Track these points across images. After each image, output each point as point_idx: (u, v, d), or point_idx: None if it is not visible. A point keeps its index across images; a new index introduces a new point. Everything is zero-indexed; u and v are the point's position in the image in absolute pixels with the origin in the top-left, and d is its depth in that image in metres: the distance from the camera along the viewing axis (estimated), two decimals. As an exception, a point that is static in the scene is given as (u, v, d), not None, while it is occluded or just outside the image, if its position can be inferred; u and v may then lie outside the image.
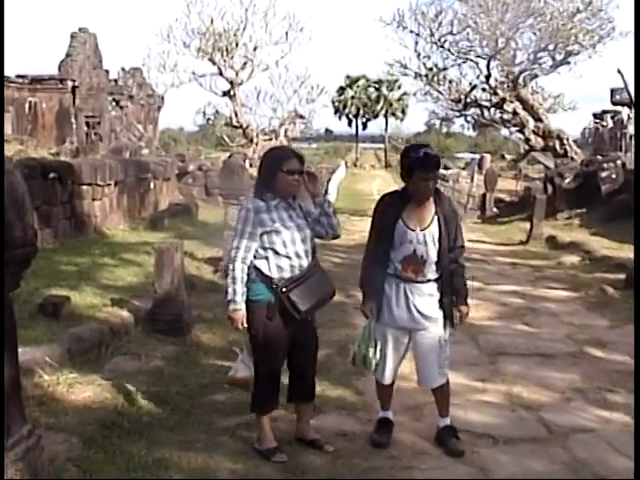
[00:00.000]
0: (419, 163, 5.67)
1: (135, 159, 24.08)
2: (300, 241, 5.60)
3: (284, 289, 5.50)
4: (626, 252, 15.13)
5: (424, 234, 5.76)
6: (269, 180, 5.62)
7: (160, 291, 8.96)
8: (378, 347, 5.88)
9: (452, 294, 5.92)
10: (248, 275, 5.56)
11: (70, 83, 34.98)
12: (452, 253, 5.88)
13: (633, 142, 38.91)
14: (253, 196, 5.72)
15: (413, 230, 5.76)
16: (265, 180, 5.67)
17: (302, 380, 5.94)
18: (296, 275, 5.57)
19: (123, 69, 44.96)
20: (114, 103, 39.95)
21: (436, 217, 5.81)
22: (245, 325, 5.59)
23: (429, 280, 5.82)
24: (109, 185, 18.07)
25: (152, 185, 21.89)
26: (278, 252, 5.53)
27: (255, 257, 5.56)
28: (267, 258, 5.55)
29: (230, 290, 5.55)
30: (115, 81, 42.88)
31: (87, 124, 35.67)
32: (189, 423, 6.36)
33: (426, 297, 5.84)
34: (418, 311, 5.81)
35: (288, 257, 5.55)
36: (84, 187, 16.57)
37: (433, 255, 5.79)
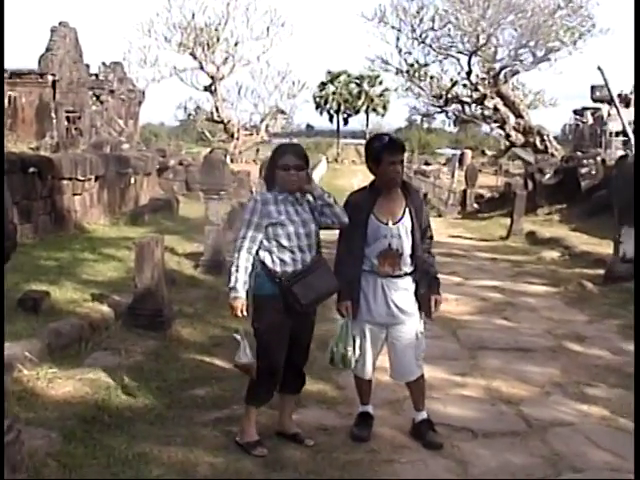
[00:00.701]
0: (386, 148, 5.80)
1: (116, 154, 23.93)
2: (304, 235, 5.64)
3: (286, 282, 5.55)
4: (605, 248, 15.20)
5: (397, 227, 5.82)
6: (271, 176, 5.75)
7: (140, 286, 8.94)
8: (357, 344, 5.92)
9: (428, 284, 5.96)
10: (254, 267, 5.63)
11: (50, 77, 34.69)
12: (424, 244, 5.95)
13: (613, 139, 39.14)
14: (265, 189, 5.86)
15: (386, 224, 5.81)
16: (268, 176, 5.81)
17: (295, 371, 5.98)
18: (299, 269, 5.61)
19: (104, 64, 44.70)
20: (95, 98, 39.70)
21: (407, 209, 5.87)
22: (245, 313, 5.64)
23: (405, 274, 5.87)
24: (89, 180, 18.00)
25: (133, 180, 21.80)
26: (282, 245, 5.59)
27: (260, 249, 5.63)
28: (270, 251, 5.62)
29: (233, 278, 5.62)
30: (96, 76, 42.58)
31: (67, 119, 35.38)
32: (169, 417, 6.36)
33: (402, 291, 5.88)
34: (396, 306, 5.85)
35: (291, 251, 5.60)
36: (64, 182, 16.50)
37: (408, 248, 5.84)
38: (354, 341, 5.85)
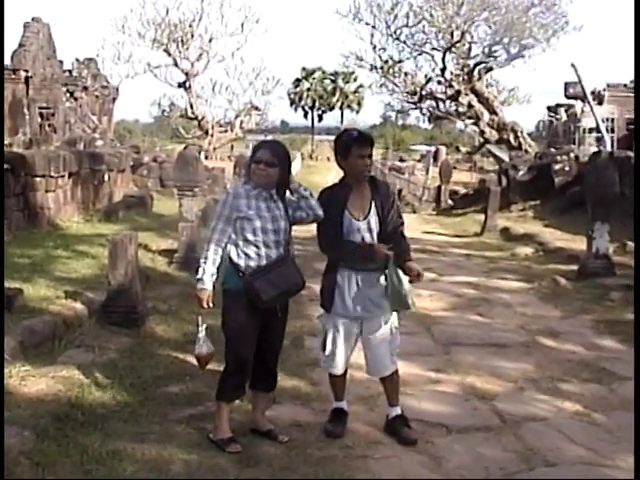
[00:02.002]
0: (355, 141, 5.87)
1: (89, 150, 23.81)
2: (272, 232, 5.68)
3: (249, 277, 5.60)
4: (578, 244, 15.29)
5: (367, 222, 5.89)
6: (248, 171, 5.84)
7: (114, 283, 8.91)
8: (330, 338, 5.98)
9: (400, 254, 5.92)
10: (224, 260, 5.73)
11: (23, 74, 34.53)
12: (391, 227, 5.96)
13: (587, 135, 39.36)
14: (243, 183, 5.95)
15: (357, 220, 5.88)
16: (247, 170, 5.90)
17: (266, 369, 6.00)
18: (263, 264, 5.66)
19: (77, 60, 44.52)
20: (68, 94, 39.55)
21: (373, 204, 5.93)
22: (211, 305, 5.72)
23: (380, 267, 5.87)
24: (63, 177, 17.85)
25: (106, 177, 21.67)
26: (247, 239, 5.65)
27: (228, 242, 5.70)
28: (237, 244, 5.69)
29: (200, 269, 5.73)
30: (69, 72, 42.43)
31: (41, 115, 35.22)
32: (143, 415, 6.34)
33: (377, 286, 5.89)
34: (370, 300, 5.88)
35: (256, 245, 5.65)
36: (37, 179, 16.32)
37: (378, 241, 5.87)
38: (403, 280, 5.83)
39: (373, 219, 5.90)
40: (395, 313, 6.06)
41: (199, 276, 5.72)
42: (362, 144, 5.86)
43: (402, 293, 5.82)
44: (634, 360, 7.84)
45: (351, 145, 5.85)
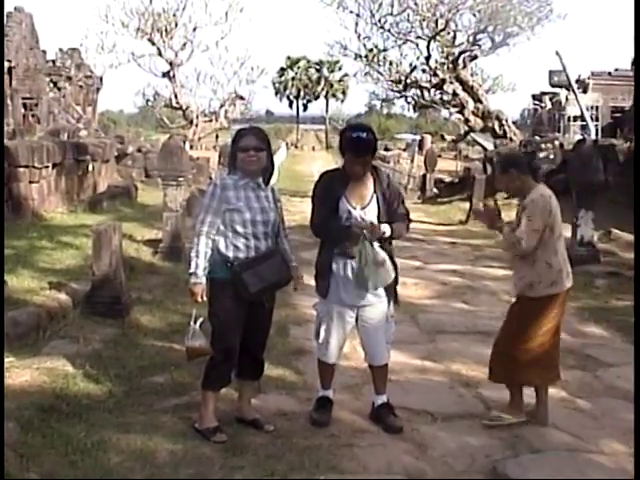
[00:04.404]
0: (349, 146, 5.82)
1: (73, 141, 23.63)
2: (261, 223, 5.67)
3: (237, 269, 5.58)
4: (563, 231, 15.31)
5: (365, 212, 5.86)
6: (233, 160, 5.77)
7: (98, 273, 8.89)
8: (323, 327, 5.99)
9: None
10: (212, 251, 5.67)
11: (6, 64, 34.32)
12: (395, 216, 5.93)
13: (571, 123, 39.44)
14: (227, 173, 5.86)
15: (355, 208, 5.85)
16: (231, 160, 5.82)
17: (253, 358, 6.01)
18: (252, 256, 5.65)
19: (61, 50, 44.26)
20: (52, 84, 39.35)
21: (374, 195, 5.89)
22: (204, 298, 5.70)
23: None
24: (47, 167, 17.75)
25: (91, 167, 21.59)
26: (236, 231, 5.63)
27: (217, 233, 5.65)
28: (226, 236, 5.66)
29: (193, 263, 5.67)
30: (53, 62, 42.20)
31: (24, 106, 34.99)
32: (128, 405, 6.35)
33: None
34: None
35: (246, 237, 5.64)
36: (21, 169, 16.25)
37: None
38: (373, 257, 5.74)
39: (372, 211, 5.86)
40: (390, 301, 6.07)
41: (192, 270, 5.67)
42: (356, 152, 5.79)
43: (365, 273, 5.72)
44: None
45: (346, 149, 5.83)
